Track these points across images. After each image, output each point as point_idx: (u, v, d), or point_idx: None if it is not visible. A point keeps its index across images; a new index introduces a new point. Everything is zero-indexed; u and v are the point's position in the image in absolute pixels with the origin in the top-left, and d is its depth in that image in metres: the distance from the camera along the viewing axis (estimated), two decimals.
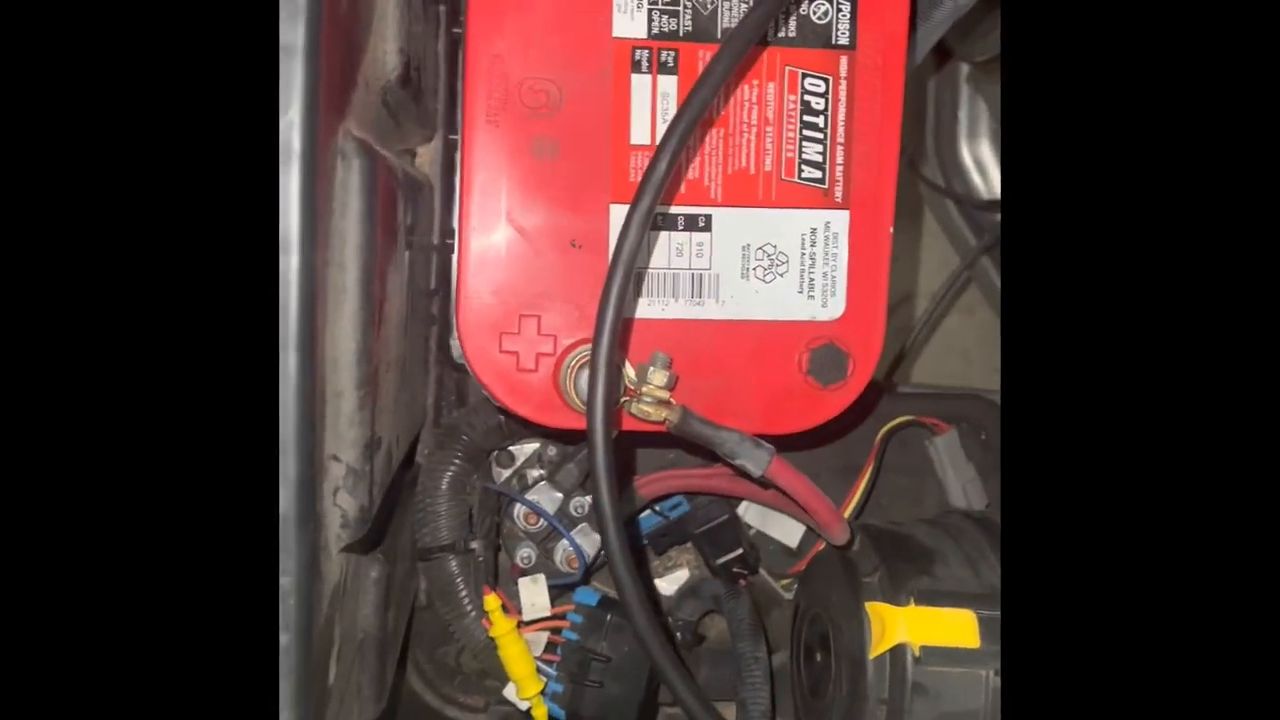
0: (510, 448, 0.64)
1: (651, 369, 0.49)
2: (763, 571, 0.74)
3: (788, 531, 0.72)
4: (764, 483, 0.52)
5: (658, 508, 0.69)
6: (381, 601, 0.51)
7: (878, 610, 0.55)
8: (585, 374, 0.49)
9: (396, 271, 0.49)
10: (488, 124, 0.50)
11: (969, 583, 0.57)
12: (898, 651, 0.54)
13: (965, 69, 1.04)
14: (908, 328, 1.03)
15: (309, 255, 0.38)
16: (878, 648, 0.55)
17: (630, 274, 0.44)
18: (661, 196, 0.45)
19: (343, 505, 0.42)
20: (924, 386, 0.86)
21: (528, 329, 0.51)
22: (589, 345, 0.50)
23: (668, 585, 0.72)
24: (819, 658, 0.61)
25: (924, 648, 0.54)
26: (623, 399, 0.50)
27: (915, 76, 0.98)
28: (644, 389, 0.49)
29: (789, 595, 0.73)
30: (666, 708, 0.70)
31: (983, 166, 1.08)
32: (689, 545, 0.71)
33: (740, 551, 0.69)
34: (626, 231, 0.44)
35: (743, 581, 0.69)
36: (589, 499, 0.64)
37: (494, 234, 0.50)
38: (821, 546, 0.66)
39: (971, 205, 1.03)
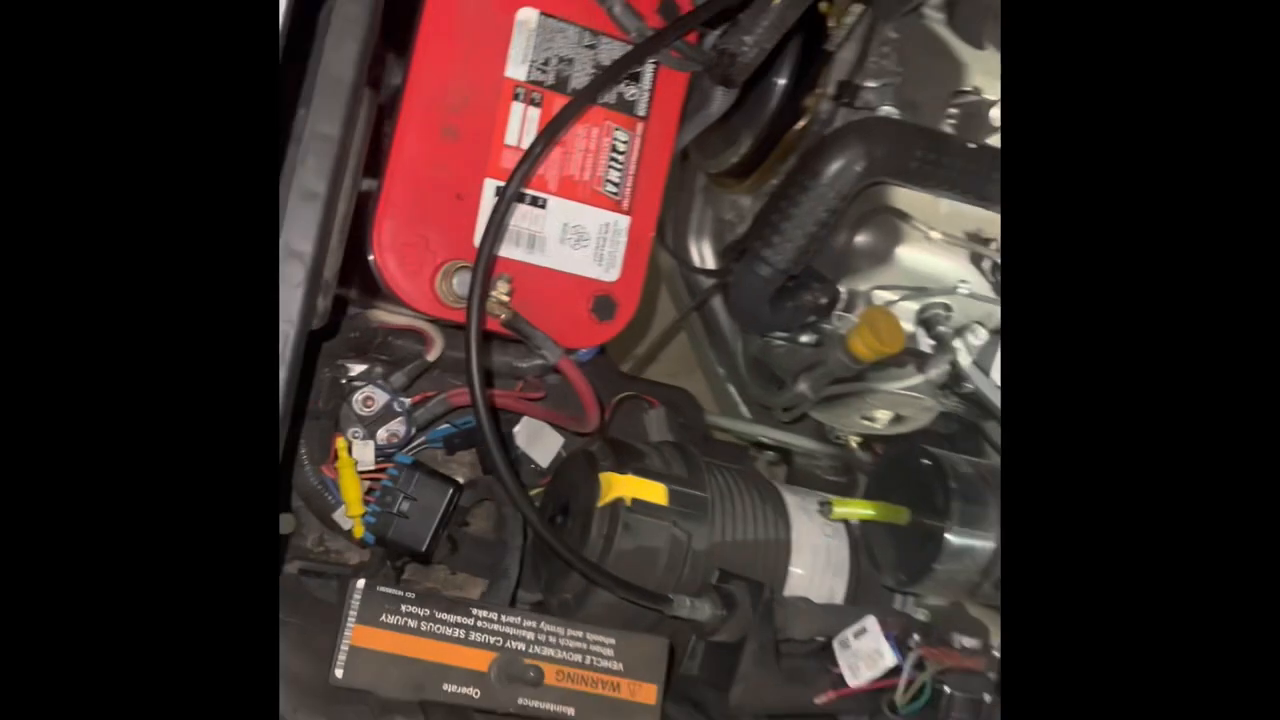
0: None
1: (498, 282, 0.77)
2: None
3: (544, 454, 1.00)
4: (549, 372, 0.80)
5: (455, 423, 0.95)
6: None
7: (607, 476, 0.84)
8: (456, 278, 0.76)
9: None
10: (420, 108, 0.77)
11: (666, 470, 0.88)
12: (616, 503, 0.83)
13: (702, 178, 1.39)
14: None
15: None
16: (604, 499, 0.84)
17: (498, 224, 0.72)
18: (521, 182, 0.74)
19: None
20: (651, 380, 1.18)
21: (420, 244, 0.77)
22: (459, 261, 0.77)
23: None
24: (559, 520, 0.89)
25: (634, 500, 0.84)
26: None
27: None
28: (493, 293, 0.77)
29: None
30: None
31: (703, 256, 1.44)
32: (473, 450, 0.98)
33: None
34: (501, 197, 0.72)
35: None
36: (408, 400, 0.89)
37: (409, 179, 0.77)
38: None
39: (691, 269, 1.38)
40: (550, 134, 0.75)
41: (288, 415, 0.60)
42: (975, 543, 0.85)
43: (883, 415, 1.10)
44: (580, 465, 0.88)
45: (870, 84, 1.04)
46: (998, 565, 0.85)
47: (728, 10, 0.82)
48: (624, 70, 0.78)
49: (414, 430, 0.89)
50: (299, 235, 0.61)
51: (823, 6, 0.98)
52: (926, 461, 0.88)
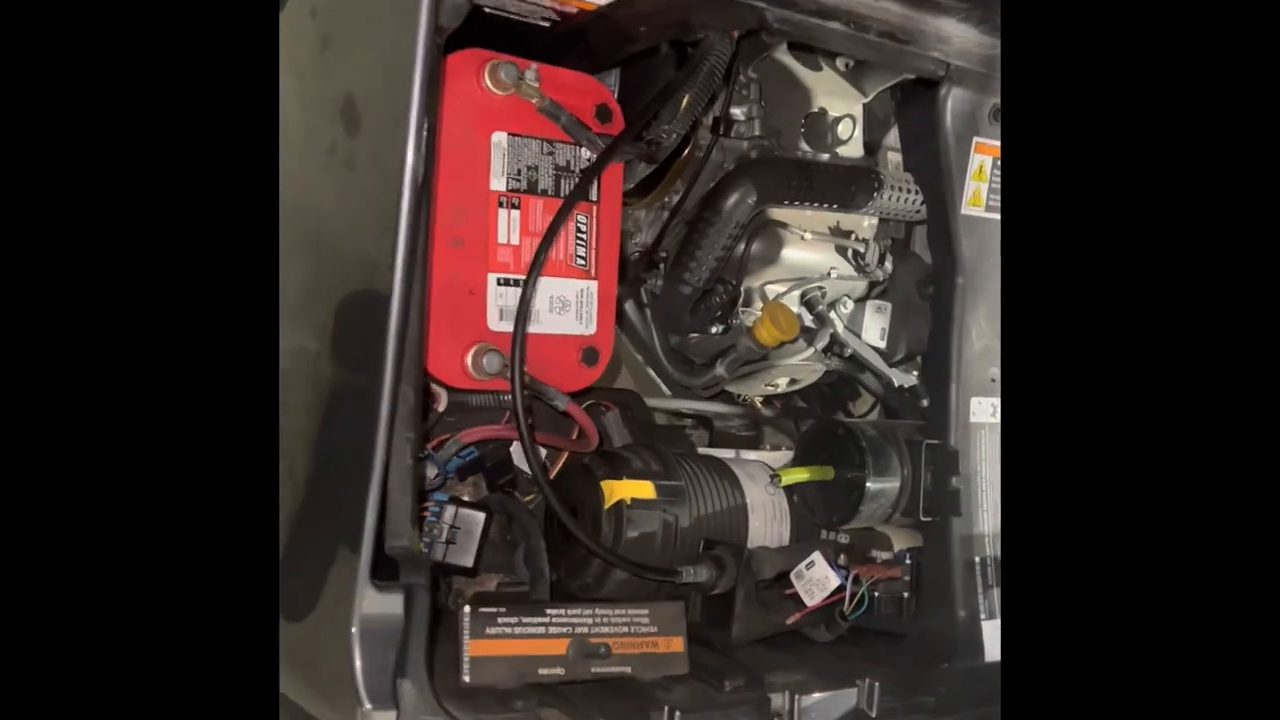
0: None
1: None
2: (516, 493, 1.23)
3: None
4: (560, 413, 1.03)
5: (462, 455, 1.16)
6: None
7: (608, 484, 1.08)
8: (485, 358, 0.97)
9: None
10: (436, 226, 0.96)
11: (647, 469, 1.12)
12: (619, 504, 1.07)
13: None
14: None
15: None
16: (609, 503, 1.07)
17: (526, 313, 0.93)
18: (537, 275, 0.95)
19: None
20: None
21: (450, 338, 0.97)
22: (485, 344, 0.97)
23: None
24: (576, 511, 1.12)
25: (632, 499, 1.08)
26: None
27: None
28: None
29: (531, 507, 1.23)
30: None
31: None
32: (480, 475, 1.19)
33: (511, 476, 1.18)
34: (525, 288, 0.93)
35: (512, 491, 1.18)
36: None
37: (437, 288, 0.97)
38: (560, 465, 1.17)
39: None
40: (550, 235, 0.96)
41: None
42: (886, 485, 1.14)
43: (782, 380, 1.37)
44: (580, 475, 1.11)
45: (739, 115, 1.27)
46: (904, 498, 1.14)
47: (653, 108, 1.04)
48: (594, 175, 0.99)
49: (439, 470, 1.10)
50: None
51: None
52: (841, 432, 1.16)
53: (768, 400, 1.48)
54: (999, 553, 1.10)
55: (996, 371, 1.14)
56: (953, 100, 1.08)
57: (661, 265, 1.29)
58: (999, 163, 1.12)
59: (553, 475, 1.16)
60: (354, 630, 0.70)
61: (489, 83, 0.96)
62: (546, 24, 0.97)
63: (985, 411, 1.13)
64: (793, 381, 1.37)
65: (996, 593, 1.10)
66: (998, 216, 1.14)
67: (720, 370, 1.25)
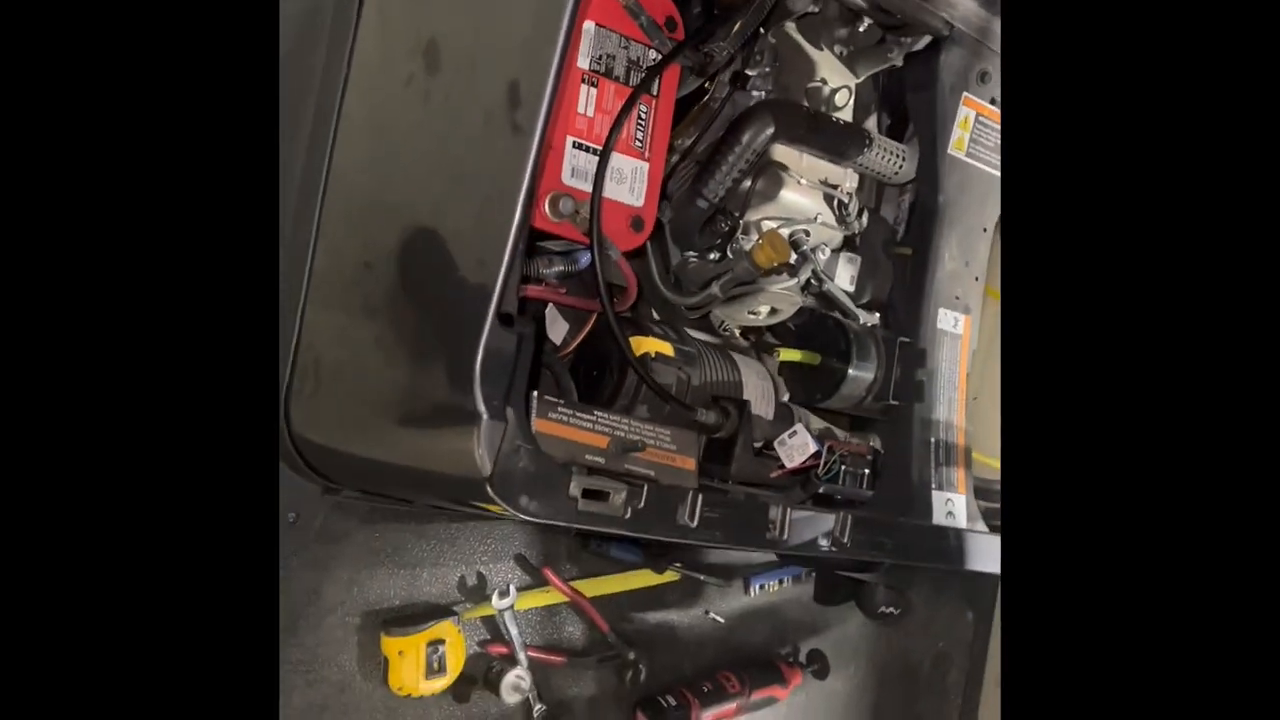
0: None
1: (581, 206, 1.16)
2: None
3: (557, 336, 1.40)
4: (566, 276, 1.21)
5: None
6: None
7: (637, 338, 1.26)
8: (561, 202, 1.15)
9: None
10: None
11: (666, 335, 1.31)
12: (644, 356, 1.26)
13: None
14: None
15: None
16: (638, 352, 1.26)
17: (603, 172, 1.12)
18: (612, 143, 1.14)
19: None
20: None
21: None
22: (558, 190, 1.16)
23: None
24: (595, 374, 1.30)
25: (656, 353, 1.26)
26: None
27: None
28: (579, 214, 1.16)
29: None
30: None
31: None
32: None
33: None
34: (602, 154, 1.12)
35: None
36: None
37: None
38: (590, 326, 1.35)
39: None
40: (627, 107, 1.15)
41: None
42: (863, 373, 1.35)
43: (763, 309, 1.58)
44: (608, 334, 1.29)
45: (752, 74, 1.49)
46: (876, 385, 1.35)
47: (711, 27, 1.25)
48: (663, 67, 1.19)
49: None
50: None
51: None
52: (831, 323, 1.37)
53: (744, 333, 1.69)
54: (951, 438, 1.32)
55: (960, 290, 1.37)
56: (951, 57, 1.32)
57: (669, 199, 1.49)
58: (980, 118, 1.36)
59: (583, 335, 1.34)
60: (480, 353, 0.87)
61: None
62: None
63: (948, 321, 1.36)
64: (773, 311, 1.58)
65: (945, 469, 1.31)
66: (976, 163, 1.38)
67: (715, 289, 1.45)
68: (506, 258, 0.89)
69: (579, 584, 1.61)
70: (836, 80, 1.49)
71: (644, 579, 1.69)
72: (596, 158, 1.20)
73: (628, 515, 0.97)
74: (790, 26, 1.50)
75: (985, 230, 1.41)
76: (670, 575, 1.75)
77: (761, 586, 1.88)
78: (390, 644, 1.39)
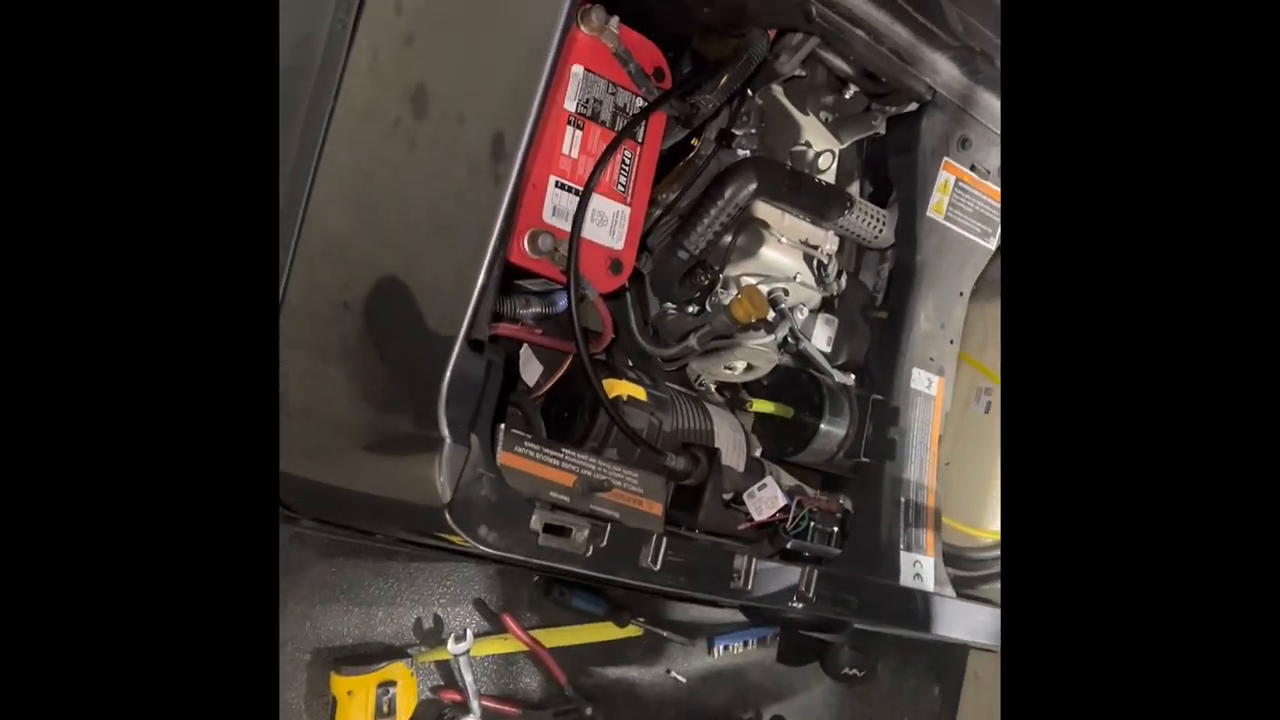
0: None
1: (560, 244, 1.17)
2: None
3: (530, 376, 1.39)
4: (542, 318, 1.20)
5: None
6: None
7: (610, 381, 1.25)
8: (540, 239, 1.15)
9: None
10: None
11: (640, 380, 1.30)
12: (616, 399, 1.25)
13: None
14: None
15: None
16: (611, 395, 1.25)
17: (584, 210, 1.12)
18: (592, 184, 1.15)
19: None
20: None
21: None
22: (538, 228, 1.16)
23: None
24: (566, 415, 1.29)
25: (629, 396, 1.25)
26: None
27: None
28: (557, 252, 1.16)
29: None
30: None
31: None
32: None
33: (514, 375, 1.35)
34: (583, 193, 1.13)
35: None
36: None
37: None
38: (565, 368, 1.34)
39: None
40: (608, 153, 1.16)
41: None
42: (835, 429, 1.35)
43: (739, 365, 1.58)
44: (582, 376, 1.29)
45: (738, 133, 1.51)
46: (848, 442, 1.34)
47: (698, 79, 1.27)
48: (649, 113, 1.21)
49: None
50: None
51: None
52: (805, 377, 1.37)
53: (719, 389, 1.69)
54: (922, 499, 1.31)
55: (935, 352, 1.38)
56: (933, 122, 1.34)
57: (650, 251, 1.50)
58: (960, 183, 1.38)
59: (558, 376, 1.33)
60: (447, 376, 0.86)
61: (580, 22, 1.18)
62: None
63: (922, 382, 1.36)
64: (748, 368, 1.58)
65: (915, 530, 1.30)
66: (955, 227, 1.39)
67: (692, 342, 1.46)
68: (480, 282, 0.89)
69: (538, 633, 1.58)
70: (821, 144, 1.51)
71: (606, 632, 1.66)
72: (578, 198, 1.20)
73: (589, 553, 0.95)
74: (777, 89, 1.52)
75: (961, 294, 1.42)
76: (633, 630, 1.72)
77: (726, 647, 1.85)
78: (340, 683, 1.36)
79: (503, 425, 1.04)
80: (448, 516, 0.84)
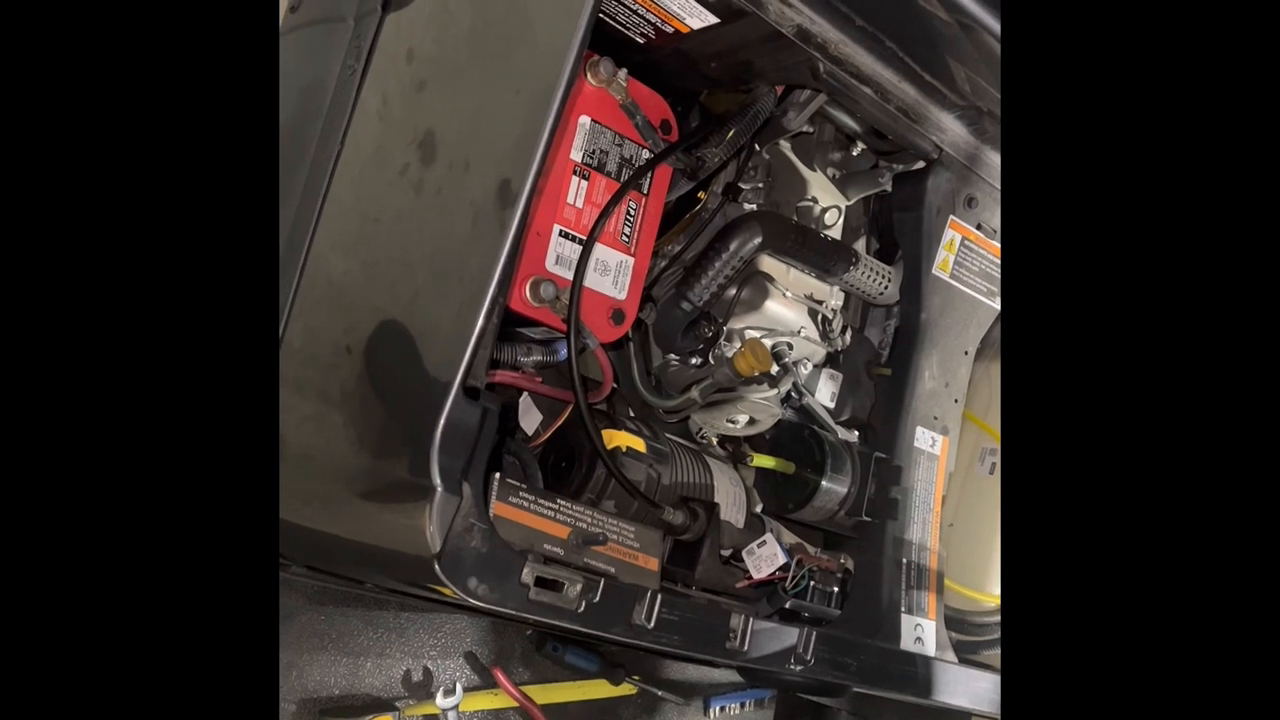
0: None
1: (561, 293, 1.16)
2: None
3: (529, 425, 1.37)
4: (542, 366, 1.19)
5: None
6: None
7: (609, 431, 1.24)
8: (542, 287, 1.14)
9: None
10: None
11: (639, 431, 1.28)
12: (615, 450, 1.23)
13: None
14: None
15: None
16: (610, 445, 1.23)
17: (587, 258, 1.12)
18: (597, 233, 1.14)
19: None
20: None
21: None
22: (540, 276, 1.15)
23: None
24: (564, 465, 1.27)
25: (628, 448, 1.24)
26: None
27: None
28: (559, 300, 1.15)
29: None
30: None
31: None
32: None
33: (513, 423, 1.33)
34: (586, 241, 1.12)
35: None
36: None
37: None
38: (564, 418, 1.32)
39: None
40: (612, 204, 1.16)
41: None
42: (837, 486, 1.33)
43: (741, 418, 1.56)
44: (581, 426, 1.27)
45: (745, 187, 1.51)
46: (850, 500, 1.32)
47: (705, 132, 1.27)
48: (654, 165, 1.21)
49: None
50: None
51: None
52: (807, 434, 1.35)
53: (721, 442, 1.67)
54: (924, 560, 1.28)
55: (939, 411, 1.36)
56: (939, 180, 1.34)
57: (654, 302, 1.49)
58: (966, 241, 1.37)
59: (556, 426, 1.32)
60: (441, 423, 0.85)
61: (588, 74, 1.18)
62: (642, 40, 1.21)
63: (926, 441, 1.34)
64: (750, 422, 1.56)
65: (916, 592, 1.27)
66: (960, 285, 1.38)
67: (694, 394, 1.44)
68: (478, 327, 0.88)
69: (530, 689, 1.54)
70: (827, 200, 1.51)
71: (599, 689, 1.63)
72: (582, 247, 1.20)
73: (581, 609, 0.93)
74: (785, 145, 1.53)
75: (966, 353, 1.41)
76: (627, 688, 1.68)
77: (722, 708, 1.81)
78: None
79: (498, 474, 1.03)
80: (437, 567, 0.82)
